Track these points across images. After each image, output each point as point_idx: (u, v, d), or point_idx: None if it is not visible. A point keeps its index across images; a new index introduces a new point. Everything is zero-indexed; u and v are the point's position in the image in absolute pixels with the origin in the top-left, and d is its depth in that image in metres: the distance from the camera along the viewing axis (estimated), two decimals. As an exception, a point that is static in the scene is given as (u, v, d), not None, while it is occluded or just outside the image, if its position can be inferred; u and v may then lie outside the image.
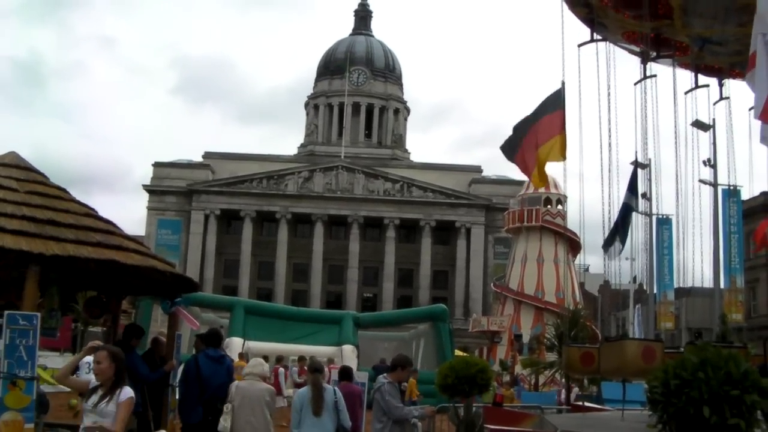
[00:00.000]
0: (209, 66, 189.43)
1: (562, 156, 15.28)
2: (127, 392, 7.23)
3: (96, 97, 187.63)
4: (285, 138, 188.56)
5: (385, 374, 10.76)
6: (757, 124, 9.28)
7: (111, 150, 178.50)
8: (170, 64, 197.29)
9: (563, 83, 15.46)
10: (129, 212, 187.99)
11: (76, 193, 11.28)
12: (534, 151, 15.83)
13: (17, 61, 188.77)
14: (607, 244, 20.80)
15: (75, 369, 7.62)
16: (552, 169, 17.21)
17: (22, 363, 7.96)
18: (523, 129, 16.35)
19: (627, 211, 20.73)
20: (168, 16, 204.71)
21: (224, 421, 10.36)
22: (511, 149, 16.66)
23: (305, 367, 24.52)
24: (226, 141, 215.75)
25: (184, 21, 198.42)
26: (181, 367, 11.96)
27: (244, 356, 24.67)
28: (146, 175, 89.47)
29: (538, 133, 15.77)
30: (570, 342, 23.70)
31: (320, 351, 27.62)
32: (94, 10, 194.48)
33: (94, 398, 7.18)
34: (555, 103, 15.67)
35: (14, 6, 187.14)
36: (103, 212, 11.07)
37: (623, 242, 21.52)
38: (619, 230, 20.76)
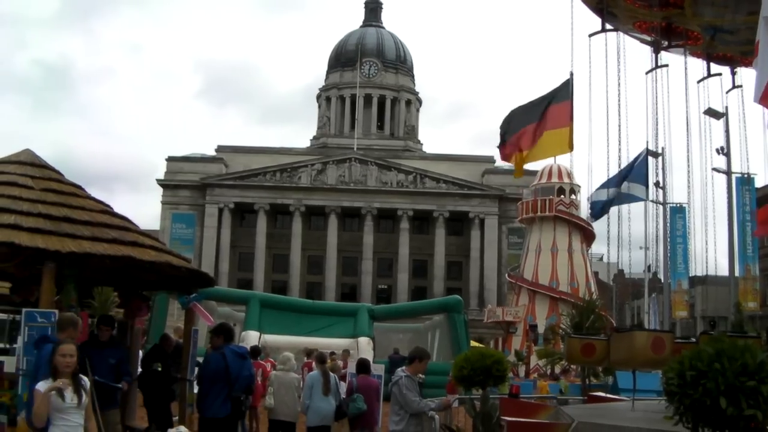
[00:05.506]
0: (232, 69, 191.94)
1: (569, 147, 15.22)
2: (85, 378, 7.46)
3: (123, 101, 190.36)
4: (302, 135, 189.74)
5: (403, 368, 10.80)
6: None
7: (136, 150, 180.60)
8: (195, 68, 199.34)
9: (571, 74, 15.40)
10: (150, 208, 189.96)
11: (100, 192, 11.44)
12: (531, 138, 15.76)
13: (48, 65, 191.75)
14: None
15: None
16: (564, 159, 17.25)
17: (41, 360, 8.00)
18: (521, 118, 16.22)
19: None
20: (193, 22, 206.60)
21: (269, 399, 14.09)
22: (504, 134, 16.52)
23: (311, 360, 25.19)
24: (246, 142, 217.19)
25: (209, 27, 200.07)
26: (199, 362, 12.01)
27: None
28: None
29: (546, 121, 15.69)
30: (572, 332, 23.67)
31: (336, 343, 27.63)
32: (121, 17, 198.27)
33: (69, 395, 7.12)
34: (562, 94, 15.60)
35: (46, 14, 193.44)
36: (126, 210, 11.17)
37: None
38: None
